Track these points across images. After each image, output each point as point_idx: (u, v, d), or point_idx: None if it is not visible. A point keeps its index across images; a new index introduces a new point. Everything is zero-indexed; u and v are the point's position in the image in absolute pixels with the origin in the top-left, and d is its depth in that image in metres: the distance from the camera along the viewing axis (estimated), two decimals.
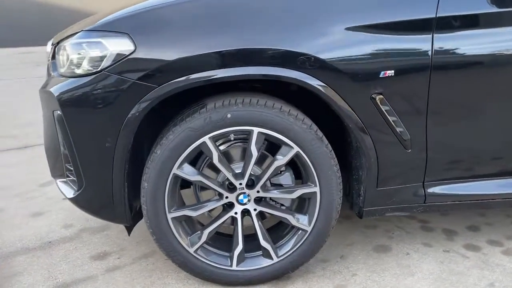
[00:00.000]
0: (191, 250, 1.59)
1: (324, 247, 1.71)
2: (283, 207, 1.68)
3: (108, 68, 1.43)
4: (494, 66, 1.50)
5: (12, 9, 14.58)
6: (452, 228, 2.06)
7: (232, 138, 1.60)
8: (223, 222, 1.61)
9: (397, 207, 1.66)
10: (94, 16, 1.71)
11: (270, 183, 1.64)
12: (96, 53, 1.45)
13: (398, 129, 1.52)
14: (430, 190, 1.64)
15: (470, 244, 1.92)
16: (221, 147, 1.65)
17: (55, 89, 1.51)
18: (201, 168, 1.64)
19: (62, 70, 1.55)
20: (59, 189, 1.71)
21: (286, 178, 1.65)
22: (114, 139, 1.47)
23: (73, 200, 1.64)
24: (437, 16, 1.44)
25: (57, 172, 1.74)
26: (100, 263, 1.84)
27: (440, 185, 1.64)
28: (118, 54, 1.43)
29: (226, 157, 1.58)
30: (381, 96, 1.47)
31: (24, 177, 2.76)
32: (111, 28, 1.46)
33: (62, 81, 1.51)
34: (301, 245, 1.62)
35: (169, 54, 1.42)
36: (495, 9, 1.46)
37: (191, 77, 1.41)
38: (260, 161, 1.61)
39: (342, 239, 1.99)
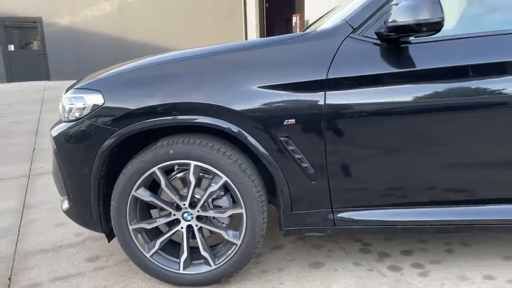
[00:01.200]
0: (148, 255, 2.06)
1: (268, 260, 2.10)
2: (223, 225, 2.10)
3: (87, 115, 1.97)
4: (376, 114, 1.84)
5: (88, 43, 16.30)
6: (387, 251, 2.35)
7: (175, 169, 2.06)
8: (172, 234, 2.06)
9: (312, 229, 2.02)
10: (87, 76, 2.28)
11: (213, 204, 2.08)
12: (80, 104, 2.00)
13: (303, 165, 1.90)
14: (339, 215, 1.98)
15: (395, 265, 2.21)
16: (179, 175, 2.12)
17: (53, 131, 2.08)
18: (159, 191, 2.11)
19: (62, 116, 2.12)
20: (61, 205, 2.27)
21: (224, 201, 2.07)
22: (90, 168, 1.99)
23: (66, 213, 2.18)
24: (327, 78, 1.83)
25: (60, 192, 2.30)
26: (90, 264, 2.36)
27: (349, 211, 1.98)
28: (94, 105, 1.96)
29: (183, 182, 2.04)
30: (287, 139, 1.87)
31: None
32: (90, 87, 2.01)
33: (57, 125, 2.08)
34: (233, 256, 2.02)
35: (127, 105, 1.93)
36: (370, 73, 1.82)
37: (142, 123, 1.91)
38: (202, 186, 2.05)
39: (286, 255, 2.35)
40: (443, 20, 1.65)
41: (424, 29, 1.67)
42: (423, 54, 1.83)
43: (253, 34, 17.64)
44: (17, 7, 15.46)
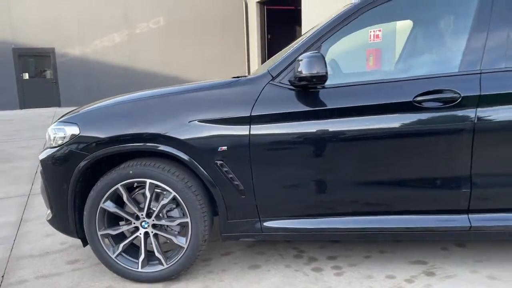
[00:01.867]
0: (113, 257, 2.53)
1: (216, 263, 2.57)
2: (175, 232, 2.58)
3: (66, 143, 2.49)
4: (289, 142, 2.33)
5: (98, 72, 17.13)
6: (316, 256, 2.79)
7: (135, 186, 2.56)
8: (132, 239, 2.54)
9: (244, 234, 2.49)
10: (70, 112, 2.81)
11: (167, 215, 2.56)
12: (61, 134, 2.53)
13: (235, 183, 2.38)
14: (265, 224, 2.45)
15: (318, 267, 2.65)
16: (141, 191, 2.60)
17: (40, 155, 2.61)
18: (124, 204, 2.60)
19: (47, 143, 2.64)
20: (46, 216, 2.77)
21: (175, 213, 2.55)
22: (68, 184, 2.49)
23: (49, 222, 2.68)
24: (251, 115, 2.33)
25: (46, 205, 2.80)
26: (70, 265, 2.84)
27: (273, 220, 2.45)
28: (72, 135, 2.49)
29: (144, 197, 2.52)
30: (222, 162, 2.36)
31: None
32: (69, 121, 2.54)
33: (44, 150, 2.60)
34: (181, 257, 2.49)
35: (97, 135, 2.44)
36: (284, 111, 2.32)
37: (107, 149, 2.42)
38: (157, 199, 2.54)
39: (232, 259, 2.81)
40: (326, 74, 2.16)
41: (314, 80, 2.19)
42: (324, 97, 2.33)
43: (255, 63, 18.39)
44: (31, 38, 16.39)
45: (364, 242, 2.94)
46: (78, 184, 2.51)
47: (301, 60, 2.21)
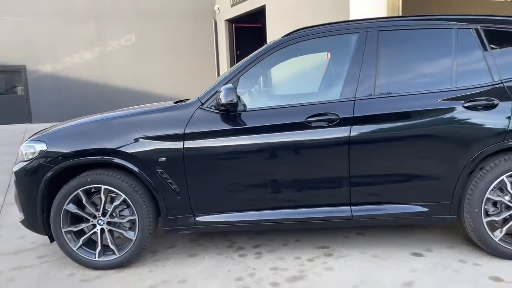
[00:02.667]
0: (75, 249, 3.13)
1: (161, 254, 3.19)
2: (127, 227, 3.18)
3: (35, 157, 3.09)
4: (214, 153, 2.99)
5: (69, 89, 17.51)
6: (244, 246, 3.44)
7: (92, 191, 3.16)
8: (90, 235, 3.13)
9: (182, 228, 3.12)
10: (41, 131, 3.40)
11: (119, 214, 3.17)
12: (31, 150, 3.12)
13: (172, 187, 3.02)
14: (198, 218, 3.09)
15: (244, 254, 3.30)
16: (99, 195, 3.20)
17: (14, 167, 3.19)
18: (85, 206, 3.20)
19: (20, 158, 3.23)
20: (19, 218, 3.33)
21: (126, 212, 3.16)
22: (37, 191, 3.08)
23: (22, 223, 3.25)
24: (184, 132, 2.99)
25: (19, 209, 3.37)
26: (39, 259, 3.40)
27: (204, 215, 3.09)
28: (40, 151, 3.09)
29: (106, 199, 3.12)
30: (162, 170, 3.00)
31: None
32: (38, 139, 3.15)
33: (17, 164, 3.19)
34: (130, 248, 3.10)
35: (61, 150, 3.05)
36: (210, 129, 2.99)
37: (67, 162, 3.03)
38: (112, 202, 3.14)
39: (176, 251, 3.44)
40: (236, 101, 2.84)
41: (229, 106, 2.87)
42: (242, 118, 3.01)
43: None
44: (2, 56, 16.69)
45: (284, 233, 3.61)
46: (45, 191, 3.09)
47: (221, 91, 2.89)
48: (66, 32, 17.36)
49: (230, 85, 2.91)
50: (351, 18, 10.38)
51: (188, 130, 2.99)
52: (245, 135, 2.99)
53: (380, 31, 3.05)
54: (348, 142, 2.90)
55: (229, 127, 3.00)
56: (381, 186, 2.98)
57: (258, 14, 15.80)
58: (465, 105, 2.86)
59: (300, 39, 3.13)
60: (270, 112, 3.06)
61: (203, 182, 3.04)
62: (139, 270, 3.12)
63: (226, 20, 18.50)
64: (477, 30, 3.00)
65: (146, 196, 3.08)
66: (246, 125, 3.01)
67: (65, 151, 3.05)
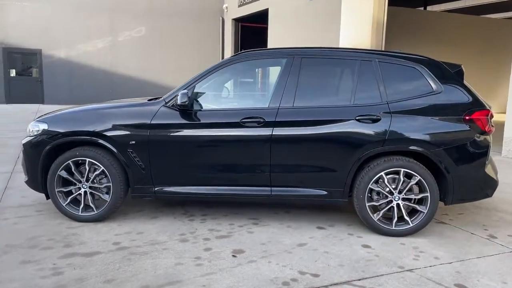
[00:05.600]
0: (64, 205, 4.16)
1: (130, 216, 4.22)
2: (104, 191, 4.21)
3: (39, 134, 4.13)
4: (173, 140, 4.00)
5: (81, 74, 18.60)
6: (195, 214, 4.46)
7: (79, 162, 4.18)
8: (76, 195, 4.17)
9: (145, 195, 4.15)
10: (44, 114, 4.43)
11: (99, 181, 4.20)
12: (36, 128, 4.17)
13: (139, 163, 4.04)
14: (156, 188, 4.11)
15: (192, 219, 4.31)
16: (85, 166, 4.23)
17: (23, 140, 4.24)
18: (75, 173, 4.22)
19: (27, 133, 4.27)
20: (24, 179, 4.38)
21: (104, 180, 4.19)
22: (38, 159, 4.12)
23: (26, 183, 4.30)
24: (150, 122, 4.01)
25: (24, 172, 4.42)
26: (37, 212, 4.43)
27: (162, 186, 4.11)
28: (43, 129, 4.13)
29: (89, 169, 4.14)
30: (131, 150, 4.02)
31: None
32: (41, 120, 4.19)
33: (25, 137, 4.24)
34: (105, 206, 4.13)
35: (58, 130, 4.09)
36: (170, 122, 4.00)
37: (62, 139, 4.07)
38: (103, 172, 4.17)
39: (142, 214, 4.46)
40: (187, 103, 3.84)
41: (181, 107, 3.88)
42: (194, 116, 4.01)
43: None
44: (21, 39, 17.86)
45: (226, 207, 4.62)
46: (44, 160, 4.13)
47: (178, 94, 3.91)
48: (81, 21, 18.48)
49: (185, 90, 3.92)
50: (341, 25, 11.36)
51: (153, 121, 4.01)
52: (196, 129, 4.00)
53: (303, 57, 4.03)
54: (270, 140, 3.89)
55: (184, 121, 4.01)
56: (293, 173, 3.97)
57: (263, 16, 16.75)
58: (357, 118, 3.83)
59: (244, 59, 4.13)
60: (216, 113, 4.07)
61: (161, 162, 4.05)
62: (111, 224, 4.16)
63: (233, 19, 19.49)
64: (375, 62, 3.96)
65: (119, 169, 4.10)
66: (197, 121, 4.01)
67: (61, 131, 4.09)
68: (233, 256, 3.46)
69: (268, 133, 3.89)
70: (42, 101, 18.45)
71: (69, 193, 4.21)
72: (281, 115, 3.90)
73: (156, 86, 18.88)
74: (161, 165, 4.05)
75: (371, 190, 3.90)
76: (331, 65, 4.12)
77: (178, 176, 4.09)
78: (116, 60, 19.22)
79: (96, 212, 4.16)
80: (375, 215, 3.91)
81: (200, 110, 4.07)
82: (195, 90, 4.06)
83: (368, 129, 3.82)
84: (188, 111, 4.01)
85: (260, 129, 3.90)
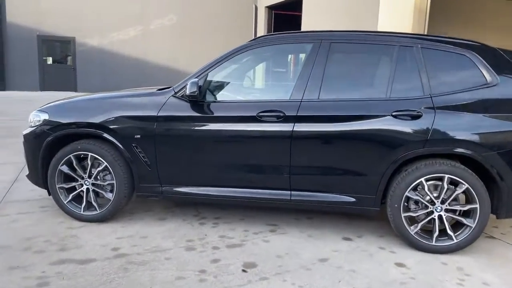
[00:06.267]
0: (65, 202, 3.82)
1: (138, 215, 3.84)
2: (108, 189, 3.83)
3: (40, 124, 3.79)
4: (182, 135, 3.56)
5: (113, 62, 18.57)
6: (207, 216, 4.03)
7: (82, 156, 3.82)
8: (78, 192, 3.81)
9: (151, 195, 3.74)
10: (47, 104, 4.09)
11: (103, 178, 3.82)
12: (38, 118, 3.83)
13: (144, 160, 3.64)
14: (164, 188, 3.70)
15: (203, 222, 3.88)
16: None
17: (24, 131, 3.91)
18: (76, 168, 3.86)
19: (29, 124, 3.94)
20: (26, 173, 4.07)
21: (108, 177, 3.81)
22: (39, 152, 3.78)
23: (27, 177, 3.99)
24: (158, 115, 3.58)
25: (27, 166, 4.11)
26: (41, 208, 4.12)
27: (170, 186, 3.69)
28: (44, 120, 3.78)
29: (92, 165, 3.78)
30: (136, 145, 3.62)
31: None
32: (43, 110, 3.84)
33: (27, 128, 3.91)
34: (109, 206, 3.75)
35: (59, 121, 3.73)
36: (180, 114, 3.55)
37: (64, 131, 3.71)
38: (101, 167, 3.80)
39: (150, 214, 4.07)
40: (197, 93, 3.38)
41: (191, 97, 3.43)
42: (209, 108, 3.55)
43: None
44: (55, 27, 17.96)
45: (243, 210, 4.16)
46: (46, 152, 3.79)
47: (186, 84, 3.45)
48: (114, 9, 18.39)
49: (195, 79, 3.47)
50: (380, 12, 10.62)
51: (160, 114, 3.58)
52: (207, 123, 3.55)
53: (332, 42, 3.49)
54: (291, 137, 3.38)
55: (194, 114, 3.56)
56: (316, 176, 3.45)
57: (297, 3, 16.08)
58: (393, 114, 3.27)
59: (264, 44, 3.63)
60: (230, 105, 3.59)
61: (169, 159, 3.63)
62: (114, 225, 3.78)
63: (267, 6, 18.89)
64: (417, 48, 3.37)
65: (124, 165, 3.71)
66: (208, 114, 3.55)
67: (63, 121, 3.73)
68: (243, 271, 3.01)
69: (288, 129, 3.38)
70: (75, 89, 18.55)
71: (71, 189, 3.86)
72: (304, 109, 3.38)
73: (186, 75, 18.57)
74: (169, 162, 3.63)
75: (408, 199, 3.34)
76: (364, 52, 3.55)
77: (187, 175, 3.66)
78: (148, 48, 19.06)
79: (98, 211, 3.80)
80: (412, 227, 3.35)
81: (212, 102, 3.61)
82: (208, 79, 3.60)
83: (406, 127, 3.25)
84: (199, 102, 3.56)
85: (280, 125, 3.40)
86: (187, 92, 3.43)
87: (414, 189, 3.30)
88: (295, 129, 3.37)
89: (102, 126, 3.63)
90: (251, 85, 4.05)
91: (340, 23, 12.54)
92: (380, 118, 3.29)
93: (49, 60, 18.56)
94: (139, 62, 19.00)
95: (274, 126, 3.41)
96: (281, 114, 3.39)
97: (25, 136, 3.88)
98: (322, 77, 3.42)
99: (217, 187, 3.63)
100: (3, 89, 17.76)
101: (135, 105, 3.68)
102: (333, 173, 3.43)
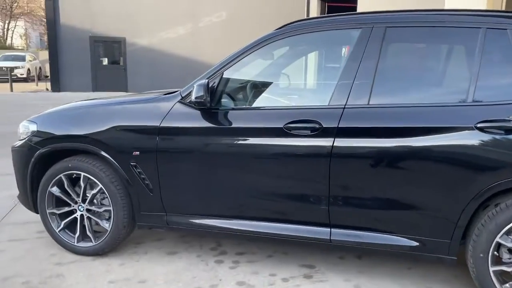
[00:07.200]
0: (57, 231, 3.16)
1: (145, 245, 3.13)
2: (106, 217, 3.12)
3: (28, 137, 3.15)
4: (187, 151, 2.78)
5: (163, 62, 18.34)
6: (228, 250, 3.22)
7: (73, 177, 3.13)
8: (71, 219, 3.14)
9: (154, 225, 2.99)
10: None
11: (101, 203, 3.13)
12: (26, 130, 3.19)
13: (145, 182, 2.89)
14: (170, 218, 2.93)
15: (221, 260, 3.08)
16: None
17: (12, 145, 3.30)
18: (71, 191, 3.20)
19: (18, 137, 3.32)
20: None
21: (106, 201, 3.11)
22: (27, 170, 3.15)
23: (18, 198, 3.37)
24: (160, 125, 2.81)
25: None
26: (37, 234, 3.51)
27: (177, 215, 2.92)
28: (32, 131, 3.14)
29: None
30: (135, 164, 2.88)
31: None
32: (32, 120, 3.20)
33: (16, 141, 3.29)
34: (105, 238, 3.05)
35: (47, 134, 3.07)
36: (194, 125, 2.76)
37: (52, 145, 3.04)
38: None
39: (159, 245, 3.33)
40: (204, 99, 2.57)
41: (198, 104, 2.62)
42: (224, 117, 2.74)
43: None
44: (106, 28, 17.98)
45: (274, 243, 3.30)
46: (34, 171, 3.15)
47: (193, 88, 2.65)
48: (163, 8, 18.11)
49: (203, 81, 2.66)
50: (446, 6, 9.33)
51: (164, 124, 2.81)
52: (220, 136, 2.74)
53: (388, 27, 2.54)
54: (330, 155, 2.49)
55: (206, 125, 2.76)
56: (365, 209, 2.54)
57: None
58: (479, 125, 2.28)
59: (294, 33, 2.75)
60: (249, 113, 2.76)
61: (175, 181, 2.86)
62: (112, 261, 3.08)
63: None
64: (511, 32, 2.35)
65: (122, 189, 2.99)
66: (223, 124, 2.75)
67: (51, 134, 3.07)
68: None
69: (326, 146, 2.49)
70: (126, 89, 18.48)
71: (64, 215, 3.20)
72: (348, 119, 2.48)
73: None
74: (175, 186, 2.87)
75: (499, 246, 2.33)
76: (435, 38, 2.57)
77: (198, 203, 2.88)
78: (196, 46, 18.62)
79: (94, 243, 3.10)
80: (504, 286, 2.35)
81: (227, 109, 2.79)
82: (224, 80, 2.79)
83: (497, 145, 2.26)
84: (213, 110, 2.75)
85: (315, 139, 2.52)
86: (193, 97, 2.63)
87: (508, 233, 2.30)
88: (335, 145, 2.47)
89: (93, 140, 2.93)
90: (278, 87, 3.18)
91: None
92: (459, 132, 2.31)
93: (105, 61, 18.64)
94: (188, 60, 18.59)
95: (307, 141, 2.54)
96: (317, 126, 2.50)
97: (13, 150, 3.27)
98: (374, 75, 2.49)
99: (235, 218, 2.81)
100: (58, 90, 18.03)
101: (132, 113, 2.94)
102: (387, 206, 2.50)
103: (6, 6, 37.33)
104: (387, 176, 2.46)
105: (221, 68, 2.80)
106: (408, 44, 2.69)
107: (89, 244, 3.12)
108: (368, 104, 2.48)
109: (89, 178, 3.02)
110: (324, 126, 2.49)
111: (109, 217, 3.05)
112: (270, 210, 2.73)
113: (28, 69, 23.66)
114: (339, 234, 2.60)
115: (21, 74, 23.09)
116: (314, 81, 2.97)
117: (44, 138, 3.08)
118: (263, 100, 3.01)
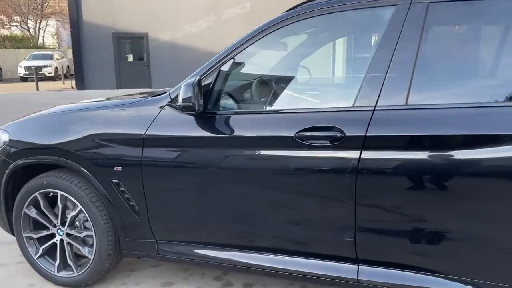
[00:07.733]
0: (35, 257, 2.70)
1: (139, 275, 2.65)
2: (90, 243, 2.63)
3: (0, 148, 2.69)
4: (185, 168, 2.24)
5: (186, 56, 17.95)
6: (234, 281, 2.69)
7: (49, 195, 2.65)
8: (50, 244, 2.67)
9: (143, 254, 2.48)
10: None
11: (83, 225, 2.64)
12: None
13: (130, 203, 2.38)
14: (161, 246, 2.41)
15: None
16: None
17: None
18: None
19: None
20: None
21: (87, 223, 2.61)
22: (0, 186, 2.70)
23: None
24: (145, 135, 2.29)
25: None
26: (19, 258, 3.05)
27: (172, 243, 2.40)
28: (4, 141, 2.68)
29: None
30: (118, 181, 2.37)
31: None
32: (4, 128, 2.73)
33: None
34: (88, 268, 2.56)
35: (19, 145, 2.60)
36: (185, 134, 2.23)
37: (23, 160, 2.57)
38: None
39: (154, 273, 2.83)
40: (193, 102, 2.02)
41: (185, 108, 2.07)
42: (222, 123, 2.19)
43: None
44: (129, 24, 17.71)
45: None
46: (8, 187, 2.70)
47: (181, 86, 2.11)
48: (185, 1, 17.68)
49: (193, 79, 2.11)
50: None
51: (149, 133, 2.28)
52: (217, 148, 2.18)
53: (430, 2, 1.92)
54: (356, 171, 1.90)
55: (200, 133, 2.22)
56: (405, 242, 1.94)
57: None
58: None
59: (308, 15, 2.15)
60: (252, 119, 2.18)
61: (165, 203, 2.33)
62: None
63: None
64: None
65: (105, 210, 2.49)
66: (221, 133, 2.19)
67: (24, 145, 2.60)
68: None
69: (350, 159, 1.90)
70: (149, 86, 18.23)
71: (43, 240, 2.73)
72: (379, 124, 1.88)
73: None
74: (165, 207, 2.34)
75: None
76: (496, 16, 1.92)
77: (194, 230, 2.35)
78: (219, 39, 18.09)
79: (76, 273, 2.63)
80: None
81: (226, 114, 2.23)
82: (221, 77, 2.24)
83: None
84: (209, 115, 2.21)
85: (335, 152, 1.93)
86: (179, 100, 2.09)
87: None
88: (363, 157, 1.88)
89: (70, 153, 2.44)
90: (287, 84, 2.57)
91: None
92: None
93: (130, 58, 18.42)
94: (211, 54, 17.51)
95: (325, 153, 1.95)
96: (338, 134, 1.91)
97: None
98: (414, 67, 1.88)
99: (238, 249, 2.26)
100: (83, 88, 17.94)
101: (112, 119, 2.43)
102: (436, 238, 1.89)
103: (37, 6, 37.85)
104: (432, 199, 1.85)
105: (217, 63, 2.25)
106: (460, 25, 2.05)
107: (71, 274, 2.65)
108: (406, 104, 1.87)
109: (67, 198, 2.53)
110: (347, 134, 1.90)
111: (92, 243, 2.56)
112: (281, 240, 2.17)
113: (56, 68, 23.77)
114: (369, 273, 2.00)
115: (49, 73, 23.25)
116: (334, 75, 2.35)
117: (17, 149, 2.62)
118: (269, 102, 2.43)
